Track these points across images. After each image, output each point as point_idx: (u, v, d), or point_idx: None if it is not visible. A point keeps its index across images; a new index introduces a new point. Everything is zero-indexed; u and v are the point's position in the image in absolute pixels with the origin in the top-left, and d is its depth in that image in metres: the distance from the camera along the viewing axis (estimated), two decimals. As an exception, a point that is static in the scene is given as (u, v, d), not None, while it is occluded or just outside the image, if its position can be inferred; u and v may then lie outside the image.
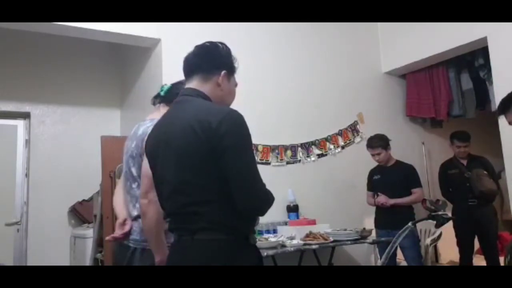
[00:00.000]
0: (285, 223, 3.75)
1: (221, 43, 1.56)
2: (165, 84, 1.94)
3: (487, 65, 4.18)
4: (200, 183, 1.36)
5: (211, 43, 1.56)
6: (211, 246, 1.34)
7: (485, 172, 3.95)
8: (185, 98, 1.49)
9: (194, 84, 1.51)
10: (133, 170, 1.77)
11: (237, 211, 1.34)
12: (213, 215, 1.35)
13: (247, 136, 1.38)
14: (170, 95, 1.85)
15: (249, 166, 1.36)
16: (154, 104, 1.94)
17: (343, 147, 4.42)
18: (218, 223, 1.35)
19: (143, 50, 3.91)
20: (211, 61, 1.53)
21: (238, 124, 1.37)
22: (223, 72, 1.52)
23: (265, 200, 1.39)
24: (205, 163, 1.34)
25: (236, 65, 1.58)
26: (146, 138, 1.68)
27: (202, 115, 1.37)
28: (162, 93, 1.91)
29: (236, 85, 1.61)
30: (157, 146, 1.48)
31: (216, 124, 1.32)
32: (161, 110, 1.83)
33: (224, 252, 1.34)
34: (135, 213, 1.75)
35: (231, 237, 1.35)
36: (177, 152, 1.39)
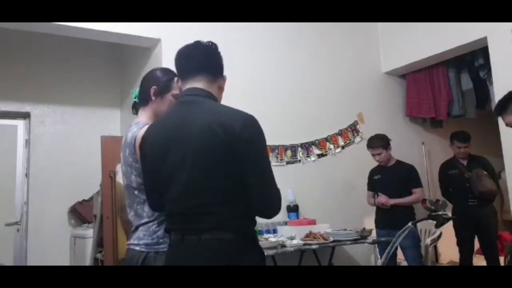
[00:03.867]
0: (285, 223, 3.75)
1: (215, 44, 1.54)
2: (135, 90, 1.92)
3: (487, 65, 4.18)
4: (213, 184, 1.36)
5: (212, 43, 1.54)
6: (218, 245, 1.34)
7: (485, 172, 3.95)
8: (194, 98, 1.46)
9: (201, 84, 1.49)
10: (133, 178, 1.73)
11: (246, 211, 1.37)
12: (223, 216, 1.35)
13: (265, 141, 1.43)
14: (145, 97, 1.84)
15: (268, 171, 1.39)
16: (136, 113, 1.90)
17: (343, 147, 4.42)
18: (226, 223, 1.36)
19: (143, 50, 3.91)
20: (217, 63, 1.53)
21: (259, 130, 1.41)
22: (225, 76, 1.54)
23: (280, 203, 1.42)
24: (222, 165, 1.35)
25: None
26: (139, 141, 1.65)
27: (222, 118, 1.37)
28: (136, 100, 1.89)
29: None
30: (164, 145, 1.44)
31: (239, 128, 1.34)
32: (143, 114, 1.83)
33: (232, 251, 1.35)
34: (144, 220, 1.73)
35: (239, 237, 1.36)
36: (193, 153, 1.37)
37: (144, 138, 1.56)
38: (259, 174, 1.36)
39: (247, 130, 1.35)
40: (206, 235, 1.35)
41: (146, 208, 1.71)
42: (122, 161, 1.83)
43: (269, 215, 1.44)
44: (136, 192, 1.74)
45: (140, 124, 1.74)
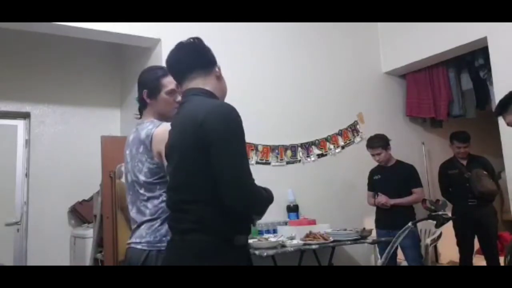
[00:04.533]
0: (285, 223, 3.75)
1: (198, 38, 1.54)
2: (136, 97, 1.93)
3: (487, 65, 4.18)
4: (191, 181, 1.37)
5: (196, 38, 1.53)
6: (197, 247, 1.35)
7: (485, 172, 3.95)
8: (188, 99, 1.49)
9: (196, 82, 1.50)
10: (141, 175, 1.73)
11: (225, 211, 1.32)
12: (198, 214, 1.35)
13: (235, 129, 1.33)
14: (142, 101, 1.86)
15: (235, 160, 1.30)
16: (141, 116, 1.90)
17: (343, 147, 4.42)
18: (202, 223, 1.34)
19: (143, 50, 3.91)
20: (206, 56, 1.53)
21: (224, 117, 1.33)
22: (218, 64, 1.54)
23: (253, 197, 1.33)
24: (195, 160, 1.34)
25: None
26: (156, 138, 1.69)
27: (193, 112, 1.38)
28: (139, 104, 1.90)
29: None
30: (167, 148, 1.52)
31: (201, 119, 1.32)
32: (147, 115, 1.85)
33: (208, 253, 1.33)
34: (146, 217, 1.72)
35: (214, 238, 1.34)
36: (176, 152, 1.43)
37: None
38: (223, 165, 1.28)
39: (209, 118, 1.31)
40: (187, 236, 1.36)
41: (150, 205, 1.72)
42: (128, 158, 1.82)
43: (241, 213, 1.36)
44: (141, 190, 1.75)
45: (156, 122, 1.76)
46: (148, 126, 1.76)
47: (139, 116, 1.91)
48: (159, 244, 1.65)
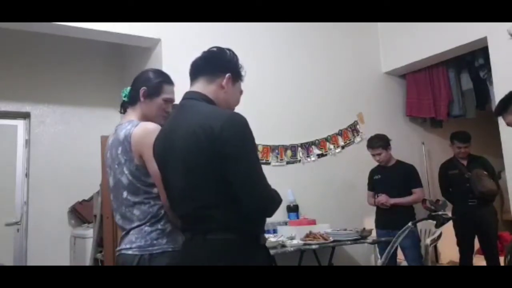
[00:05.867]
0: (285, 223, 3.75)
1: (229, 50, 1.57)
2: (125, 89, 1.88)
3: (487, 65, 4.19)
4: (207, 187, 1.37)
5: (218, 48, 1.56)
6: (222, 245, 1.36)
7: (485, 172, 3.95)
8: (188, 102, 1.49)
9: (197, 86, 1.52)
10: (123, 179, 1.70)
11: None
12: (223, 217, 1.36)
13: (250, 139, 1.38)
14: (134, 97, 1.82)
15: (253, 170, 1.36)
16: (124, 112, 1.87)
17: (343, 147, 4.42)
18: (228, 224, 1.36)
19: (143, 50, 3.91)
20: (217, 63, 1.53)
21: (240, 128, 1.36)
22: (227, 75, 1.52)
23: (270, 202, 1.39)
24: (210, 167, 1.35)
25: (243, 73, 1.59)
26: (134, 138, 1.65)
27: (204, 119, 1.37)
28: (126, 99, 1.86)
29: (241, 92, 1.62)
30: (164, 152, 1.49)
31: (218, 128, 1.32)
32: (132, 113, 1.81)
33: (235, 251, 1.36)
34: (135, 224, 1.68)
35: (242, 237, 1.37)
36: (182, 157, 1.40)
37: (153, 144, 1.58)
38: (243, 174, 1.33)
39: (226, 130, 1.33)
40: (210, 235, 1.37)
41: (136, 211, 1.68)
42: (110, 161, 1.78)
43: (258, 216, 1.43)
44: (125, 193, 1.70)
45: (134, 122, 1.73)
46: (126, 126, 1.73)
47: (122, 111, 1.88)
48: (150, 248, 1.62)
